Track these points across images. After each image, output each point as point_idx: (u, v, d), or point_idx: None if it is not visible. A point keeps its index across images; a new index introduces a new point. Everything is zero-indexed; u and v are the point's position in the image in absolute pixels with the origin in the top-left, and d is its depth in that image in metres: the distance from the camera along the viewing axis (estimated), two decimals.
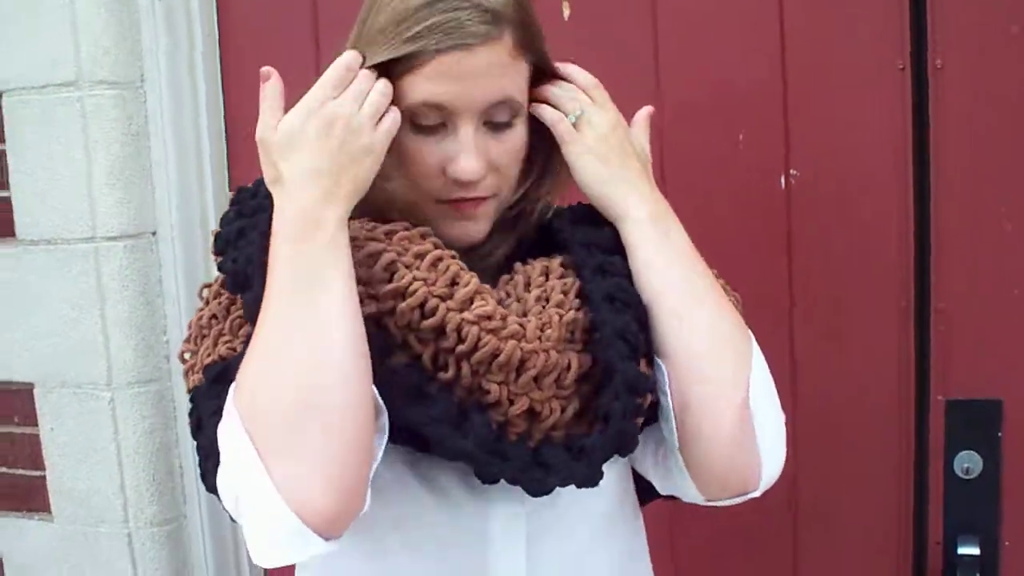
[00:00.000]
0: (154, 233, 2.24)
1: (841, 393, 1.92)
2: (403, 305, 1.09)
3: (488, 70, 1.15)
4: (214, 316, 1.22)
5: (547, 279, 1.20)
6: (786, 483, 1.91)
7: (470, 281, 1.12)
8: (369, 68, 1.14)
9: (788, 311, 1.91)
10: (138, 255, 2.23)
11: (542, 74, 1.24)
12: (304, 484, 0.99)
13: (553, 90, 1.25)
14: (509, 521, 1.21)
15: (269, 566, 1.05)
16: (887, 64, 1.79)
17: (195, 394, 1.20)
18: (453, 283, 1.11)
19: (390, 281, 1.10)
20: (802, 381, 1.91)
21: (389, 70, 1.14)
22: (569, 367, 1.13)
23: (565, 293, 1.17)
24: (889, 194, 1.83)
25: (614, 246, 1.22)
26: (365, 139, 1.10)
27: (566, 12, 1.95)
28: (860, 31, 1.82)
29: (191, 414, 1.21)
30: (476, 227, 1.22)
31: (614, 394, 1.12)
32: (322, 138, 1.09)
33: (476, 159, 1.15)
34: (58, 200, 2.25)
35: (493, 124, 1.18)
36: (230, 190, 2.23)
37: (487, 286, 1.15)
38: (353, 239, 1.12)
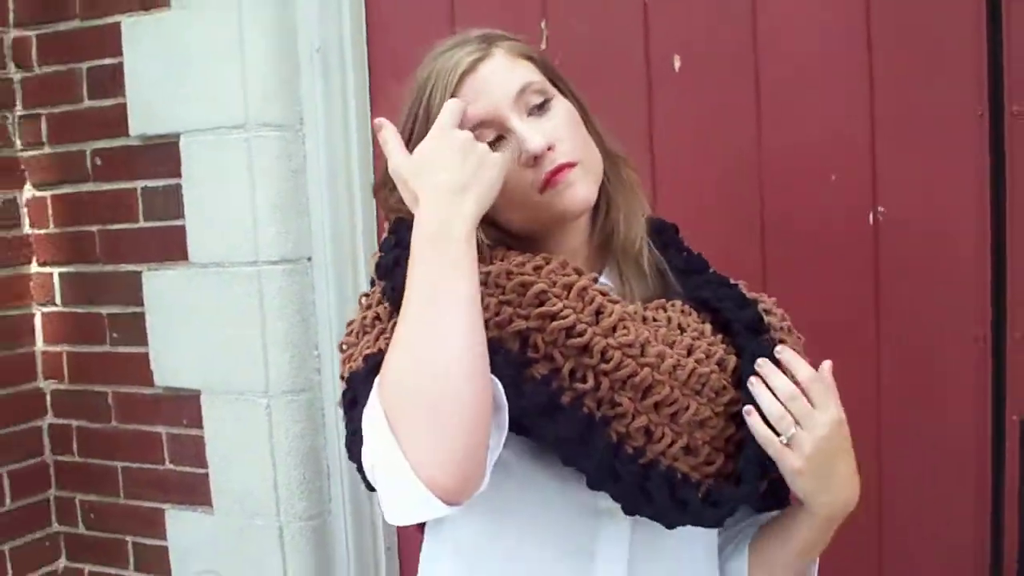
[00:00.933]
0: (309, 259, 2.43)
1: (923, 414, 1.99)
2: (553, 324, 1.22)
3: (496, 73, 1.32)
4: (378, 317, 1.35)
5: (701, 336, 1.33)
6: (872, 498, 2.00)
7: (613, 311, 1.25)
8: None
9: (875, 335, 2.00)
10: (295, 278, 2.42)
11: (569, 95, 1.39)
12: (433, 465, 1.13)
13: (766, 404, 1.29)
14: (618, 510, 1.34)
15: (400, 524, 1.20)
16: (968, 111, 1.89)
17: (352, 376, 1.32)
18: (599, 312, 1.25)
19: (541, 306, 1.23)
20: (886, 403, 2.01)
21: None
22: (687, 409, 1.27)
23: (708, 356, 1.30)
24: (968, 231, 1.91)
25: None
26: (488, 159, 1.22)
27: (677, 64, 2.10)
28: (943, 80, 1.90)
29: (345, 394, 1.34)
30: (576, 191, 1.32)
31: (746, 460, 1.30)
32: (457, 154, 1.20)
33: (534, 133, 1.30)
34: (226, 228, 2.45)
35: (534, 109, 1.33)
36: (377, 222, 2.42)
37: (630, 309, 1.29)
38: (508, 272, 1.26)
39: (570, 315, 1.23)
